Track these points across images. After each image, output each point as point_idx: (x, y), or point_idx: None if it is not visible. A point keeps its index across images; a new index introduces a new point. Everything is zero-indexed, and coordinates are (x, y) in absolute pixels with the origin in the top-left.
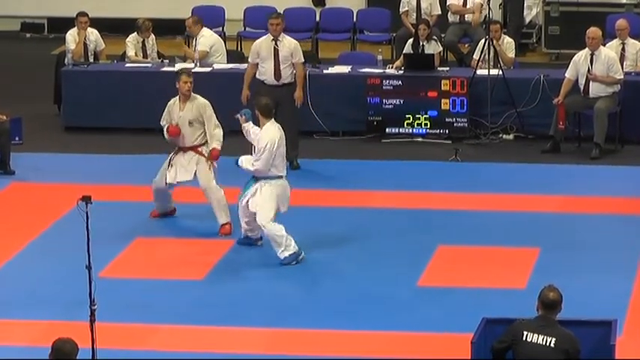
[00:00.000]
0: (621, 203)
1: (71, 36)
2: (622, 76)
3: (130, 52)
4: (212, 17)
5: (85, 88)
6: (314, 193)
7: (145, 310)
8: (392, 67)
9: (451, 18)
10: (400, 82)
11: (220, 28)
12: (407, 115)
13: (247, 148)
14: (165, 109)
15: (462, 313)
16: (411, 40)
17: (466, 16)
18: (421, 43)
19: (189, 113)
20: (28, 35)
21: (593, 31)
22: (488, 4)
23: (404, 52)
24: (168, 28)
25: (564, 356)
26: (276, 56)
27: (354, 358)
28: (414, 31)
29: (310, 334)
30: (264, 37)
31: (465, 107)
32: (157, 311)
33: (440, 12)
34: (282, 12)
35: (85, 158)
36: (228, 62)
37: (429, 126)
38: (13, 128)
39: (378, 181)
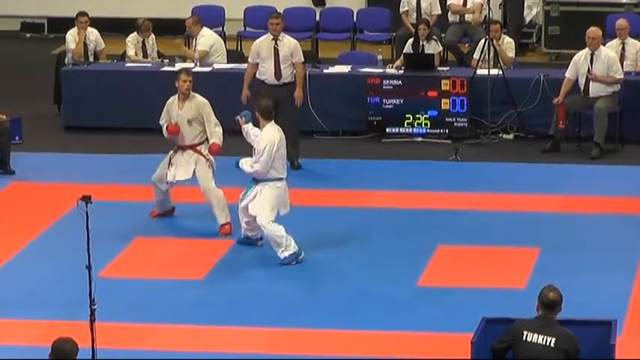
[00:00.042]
0: (621, 203)
1: (71, 36)
2: (622, 76)
3: (130, 52)
4: (212, 17)
5: (85, 88)
6: (314, 193)
7: (145, 310)
8: (392, 67)
9: (451, 18)
10: (400, 81)
11: (220, 28)
12: (407, 115)
13: (247, 148)
14: (165, 108)
15: (462, 313)
16: (411, 40)
17: (466, 15)
18: (421, 43)
19: (188, 112)
20: (28, 35)
21: (593, 31)
22: (488, 4)
23: (404, 51)
24: (169, 28)
25: (564, 356)
26: (276, 56)
27: (354, 358)
28: (414, 30)
29: (310, 334)
30: (264, 36)
31: (465, 107)
32: (156, 311)
33: (440, 12)
34: (282, 12)
35: (85, 158)
36: (228, 62)
37: (429, 126)
38: (13, 128)
39: (378, 181)
